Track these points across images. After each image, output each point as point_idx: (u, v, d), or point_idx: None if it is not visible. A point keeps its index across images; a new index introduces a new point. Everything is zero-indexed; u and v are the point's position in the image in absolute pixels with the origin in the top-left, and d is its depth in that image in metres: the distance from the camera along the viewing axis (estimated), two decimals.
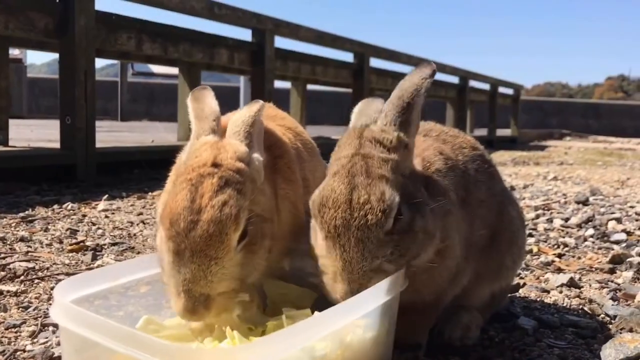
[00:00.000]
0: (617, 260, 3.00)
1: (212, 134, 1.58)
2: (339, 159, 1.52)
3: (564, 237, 3.60)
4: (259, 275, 1.53)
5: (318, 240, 1.48)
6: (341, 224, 1.41)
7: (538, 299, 2.40)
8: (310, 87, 10.93)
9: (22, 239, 2.99)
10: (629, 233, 3.73)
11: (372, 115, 1.62)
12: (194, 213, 1.39)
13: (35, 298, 2.20)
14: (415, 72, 1.61)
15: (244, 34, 7.75)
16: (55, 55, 6.00)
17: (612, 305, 2.29)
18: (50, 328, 1.91)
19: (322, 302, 1.48)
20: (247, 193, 1.46)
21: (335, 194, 1.43)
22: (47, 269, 2.55)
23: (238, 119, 1.60)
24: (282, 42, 8.14)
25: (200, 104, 1.66)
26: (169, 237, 1.40)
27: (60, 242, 3.02)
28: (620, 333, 2.00)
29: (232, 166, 1.47)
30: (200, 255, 1.38)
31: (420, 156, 1.66)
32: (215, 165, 1.46)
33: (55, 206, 3.93)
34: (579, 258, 3.13)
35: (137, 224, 3.55)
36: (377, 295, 1.39)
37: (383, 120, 1.56)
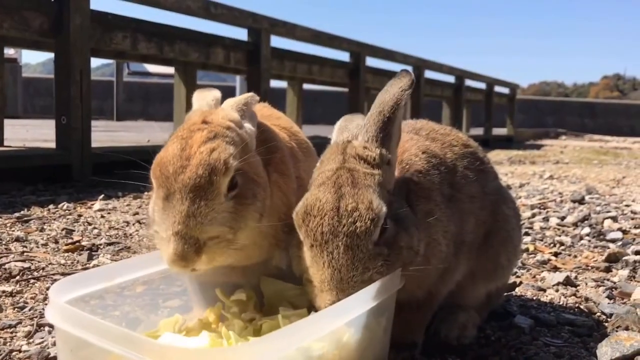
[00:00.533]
0: (613, 259, 3.01)
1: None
2: (323, 172, 1.51)
3: (560, 236, 3.61)
4: (248, 236, 1.49)
5: (303, 250, 1.45)
6: (328, 231, 1.38)
7: (534, 298, 2.40)
8: (306, 86, 10.93)
9: (17, 239, 2.98)
10: (624, 232, 3.75)
11: (354, 130, 1.63)
12: (183, 159, 1.41)
13: (31, 298, 2.19)
14: (394, 83, 1.61)
15: (240, 34, 7.76)
16: (50, 55, 5.98)
17: (608, 303, 2.30)
18: (46, 328, 1.90)
19: None
20: (237, 145, 1.48)
21: (321, 202, 1.42)
22: (43, 269, 2.54)
23: (231, 99, 1.68)
24: (278, 42, 8.17)
25: (203, 93, 1.74)
26: (159, 185, 1.41)
27: (56, 242, 3.02)
28: (616, 331, 2.01)
29: (222, 123, 1.51)
30: (189, 197, 1.38)
31: (399, 158, 1.66)
32: (205, 122, 1.51)
33: (51, 206, 3.92)
34: (575, 257, 3.14)
35: (133, 224, 3.54)
36: (374, 294, 1.38)
37: (364, 136, 1.56)
